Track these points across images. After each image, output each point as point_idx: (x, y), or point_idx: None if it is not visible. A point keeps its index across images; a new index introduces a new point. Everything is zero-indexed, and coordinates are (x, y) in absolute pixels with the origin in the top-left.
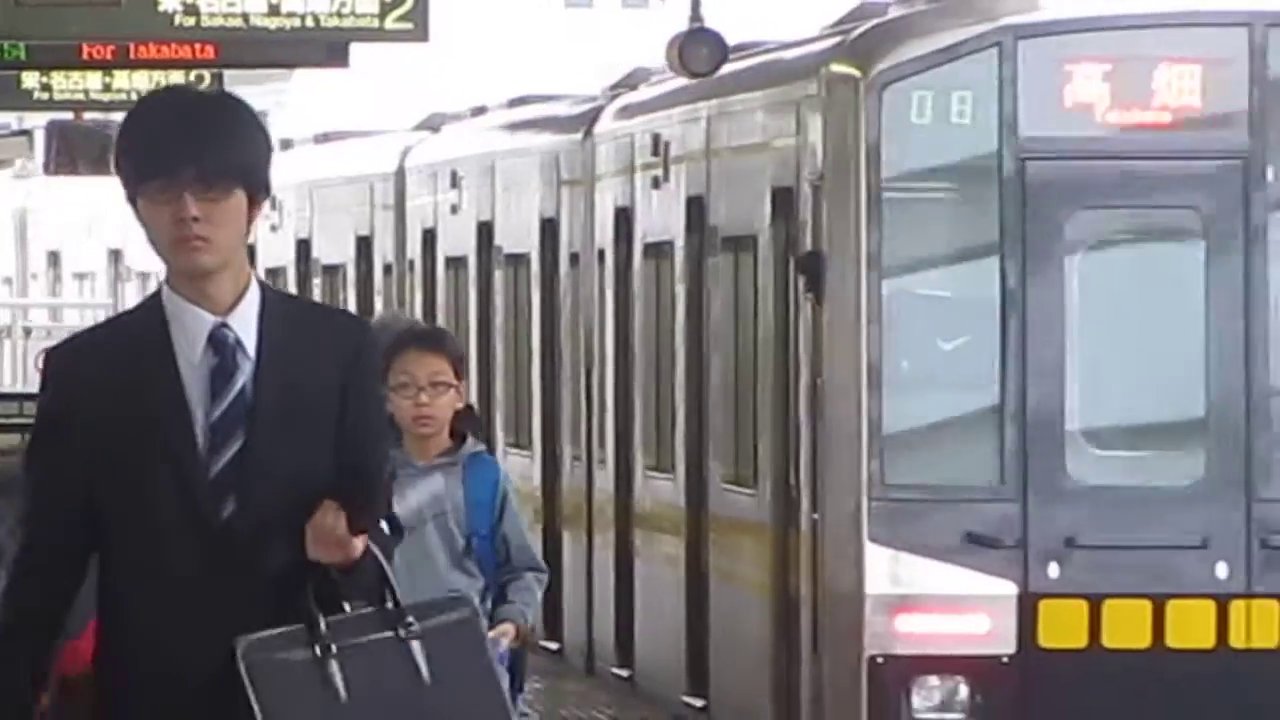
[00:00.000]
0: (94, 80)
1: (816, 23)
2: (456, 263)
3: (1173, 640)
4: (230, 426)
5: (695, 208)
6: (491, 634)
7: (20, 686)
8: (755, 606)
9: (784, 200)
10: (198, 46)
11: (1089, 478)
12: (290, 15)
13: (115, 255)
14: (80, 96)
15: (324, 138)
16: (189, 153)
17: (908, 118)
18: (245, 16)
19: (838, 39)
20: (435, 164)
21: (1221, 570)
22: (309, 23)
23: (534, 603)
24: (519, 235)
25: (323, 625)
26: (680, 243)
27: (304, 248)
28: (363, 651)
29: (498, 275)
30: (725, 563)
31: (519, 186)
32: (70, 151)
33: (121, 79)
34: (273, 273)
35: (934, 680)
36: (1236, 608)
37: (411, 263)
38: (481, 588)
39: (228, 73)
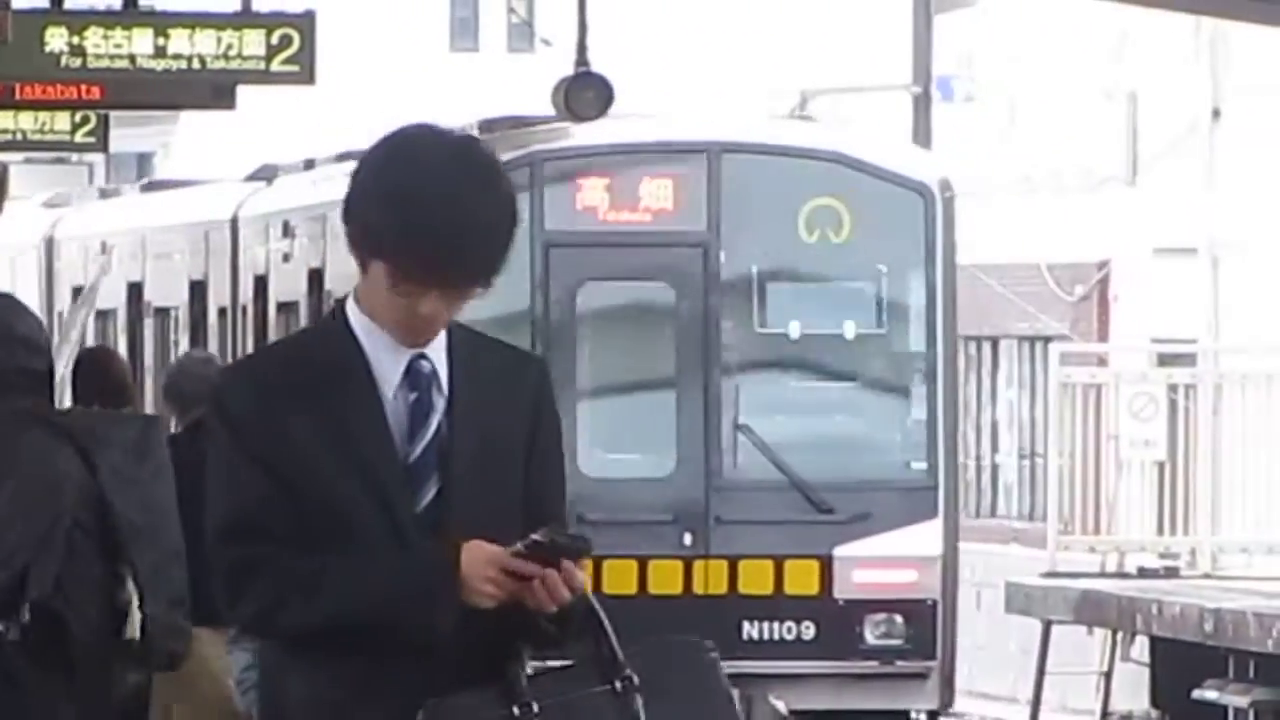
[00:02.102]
0: None
1: (702, 63)
2: (104, 316)
3: (653, 589)
4: (428, 468)
5: (315, 276)
6: None
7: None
8: None
9: None
10: (84, 87)
11: (595, 472)
12: (176, 57)
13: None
14: None
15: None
16: None
17: None
18: (132, 58)
19: None
20: (86, 236)
21: (687, 539)
22: (195, 64)
23: None
24: (169, 293)
25: (523, 680)
26: (304, 302)
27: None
28: (571, 710)
29: (148, 324)
30: None
31: (170, 255)
32: None
33: (6, 119)
34: None
35: None
36: (698, 566)
37: (60, 314)
38: None
39: (113, 114)
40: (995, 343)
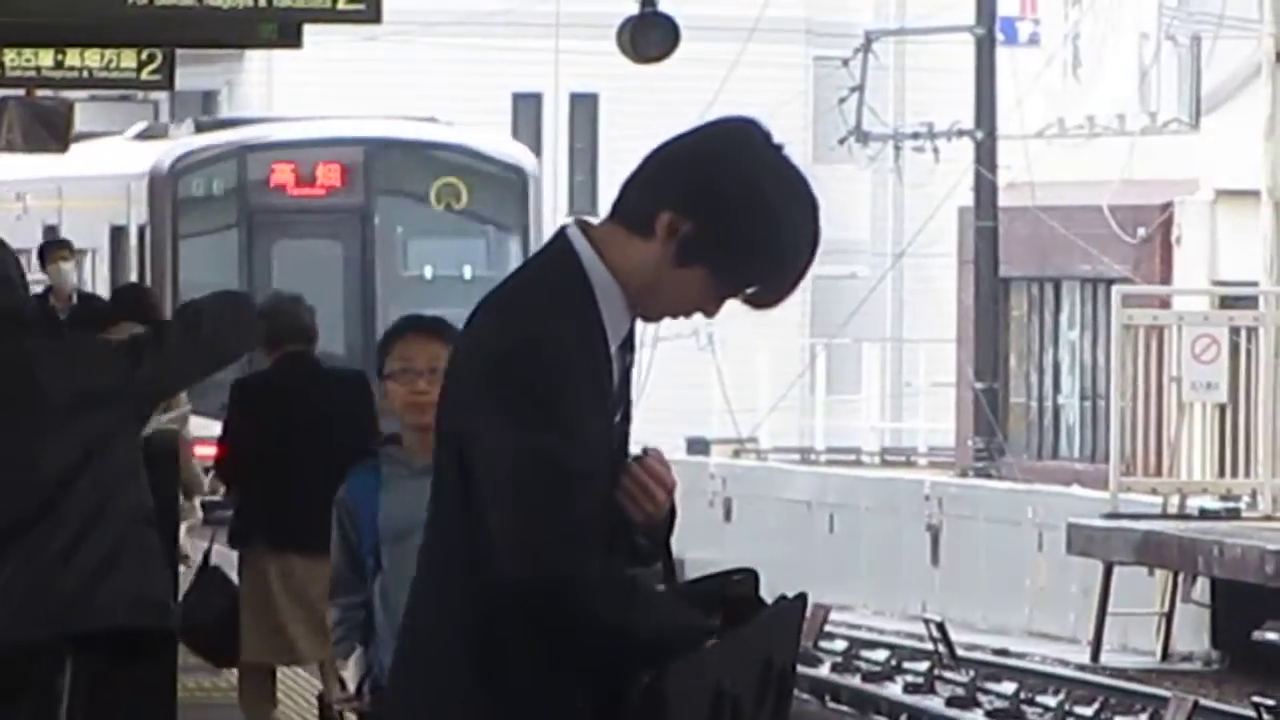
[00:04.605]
0: (46, 57)
1: (769, 3)
2: None
3: None
4: (615, 431)
5: (50, 233)
6: None
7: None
8: None
9: (118, 234)
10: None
11: None
12: None
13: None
14: (32, 73)
15: None
16: None
17: (191, 191)
18: None
19: (152, 146)
20: None
21: None
22: (261, 2)
23: None
24: None
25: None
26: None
27: None
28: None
29: None
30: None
31: None
32: (21, 128)
33: (73, 56)
34: None
35: None
36: None
37: None
38: None
39: (180, 52)
40: (1058, 284)
